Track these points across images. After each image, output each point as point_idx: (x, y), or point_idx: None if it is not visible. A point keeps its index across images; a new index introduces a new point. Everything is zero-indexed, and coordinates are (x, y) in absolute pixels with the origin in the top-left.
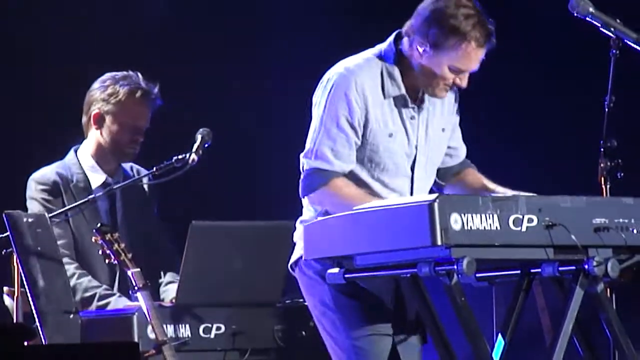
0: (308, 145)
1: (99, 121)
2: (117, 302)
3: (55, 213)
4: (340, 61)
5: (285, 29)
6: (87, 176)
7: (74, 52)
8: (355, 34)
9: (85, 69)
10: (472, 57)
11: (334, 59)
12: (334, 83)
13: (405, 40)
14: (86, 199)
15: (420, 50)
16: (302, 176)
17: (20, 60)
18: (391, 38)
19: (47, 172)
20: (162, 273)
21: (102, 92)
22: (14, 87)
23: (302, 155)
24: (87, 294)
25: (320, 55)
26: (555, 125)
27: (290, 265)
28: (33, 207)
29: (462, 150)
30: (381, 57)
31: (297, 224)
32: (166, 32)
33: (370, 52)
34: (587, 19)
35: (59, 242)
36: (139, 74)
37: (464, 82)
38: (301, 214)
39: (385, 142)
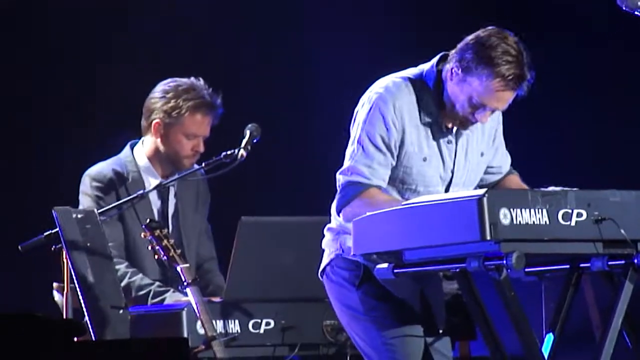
0: (345, 162)
1: (160, 130)
2: (172, 297)
3: (106, 208)
4: (380, 79)
5: (334, 27)
6: (142, 176)
7: (111, 50)
8: (407, 42)
9: (130, 67)
10: (496, 95)
11: (381, 58)
12: (373, 103)
13: (445, 67)
14: (136, 195)
15: (453, 71)
16: (337, 193)
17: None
18: (435, 60)
19: (104, 169)
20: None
21: (164, 104)
22: (69, 85)
23: (338, 172)
24: (141, 292)
25: (366, 53)
26: (605, 120)
27: (320, 273)
28: (85, 202)
29: (505, 167)
30: (422, 78)
31: (325, 231)
32: (212, 28)
33: (412, 72)
34: (636, 12)
35: (110, 244)
36: (202, 81)
37: (483, 118)
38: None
39: (419, 165)
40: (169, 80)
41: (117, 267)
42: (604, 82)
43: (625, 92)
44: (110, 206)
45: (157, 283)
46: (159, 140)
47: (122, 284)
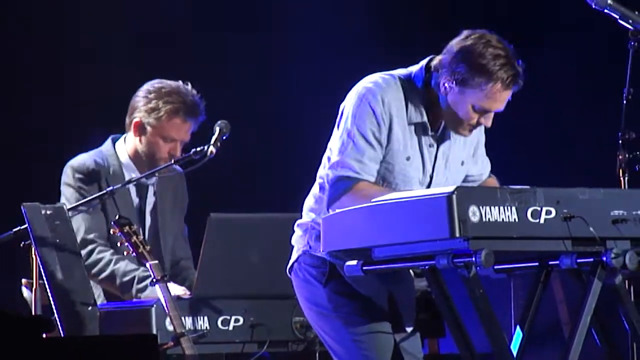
0: (334, 157)
1: (139, 129)
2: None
3: (82, 202)
4: (369, 75)
5: (309, 25)
6: (123, 171)
7: (95, 48)
8: (383, 43)
9: (109, 67)
10: (497, 97)
11: (357, 57)
12: (362, 97)
13: (434, 74)
14: (106, 191)
15: (447, 86)
16: (327, 189)
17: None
18: (423, 62)
19: (86, 160)
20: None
21: (145, 104)
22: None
23: (327, 168)
24: (126, 278)
25: (341, 52)
26: (573, 117)
27: (288, 270)
28: (68, 193)
29: (485, 175)
30: (410, 79)
31: (295, 227)
32: (187, 29)
33: (401, 72)
34: (605, 10)
35: (92, 235)
36: (189, 86)
37: (488, 122)
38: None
39: (402, 164)
40: (155, 81)
41: (102, 255)
42: (570, 81)
43: (596, 87)
44: (88, 199)
45: (142, 268)
46: (138, 140)
47: (107, 271)
